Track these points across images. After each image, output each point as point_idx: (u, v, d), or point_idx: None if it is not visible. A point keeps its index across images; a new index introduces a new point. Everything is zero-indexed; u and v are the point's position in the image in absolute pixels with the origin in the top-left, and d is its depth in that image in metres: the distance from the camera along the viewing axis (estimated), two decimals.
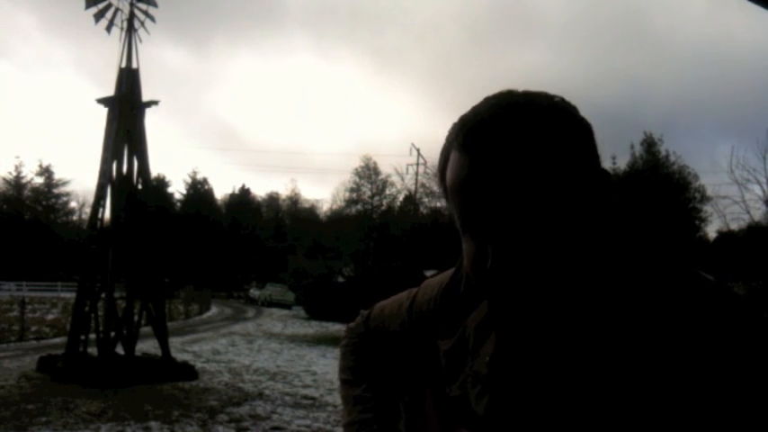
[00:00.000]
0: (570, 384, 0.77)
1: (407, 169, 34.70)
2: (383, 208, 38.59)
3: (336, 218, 44.03)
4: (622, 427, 0.73)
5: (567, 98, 0.82)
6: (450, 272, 1.02)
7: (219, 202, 69.29)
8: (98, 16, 11.99)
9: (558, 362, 0.79)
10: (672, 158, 30.26)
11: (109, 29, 12.00)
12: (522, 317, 0.82)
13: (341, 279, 27.27)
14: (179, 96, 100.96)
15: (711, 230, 28.88)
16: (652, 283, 0.78)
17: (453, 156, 0.79)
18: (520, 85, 0.83)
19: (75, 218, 63.30)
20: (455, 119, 0.82)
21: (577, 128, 0.79)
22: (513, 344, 0.83)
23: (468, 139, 0.77)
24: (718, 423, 0.70)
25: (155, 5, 12.11)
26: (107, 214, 11.69)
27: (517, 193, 0.74)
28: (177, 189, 67.39)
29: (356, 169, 39.60)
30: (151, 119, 12.45)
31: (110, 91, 11.99)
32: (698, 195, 29.14)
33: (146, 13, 12.09)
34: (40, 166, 61.53)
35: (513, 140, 0.75)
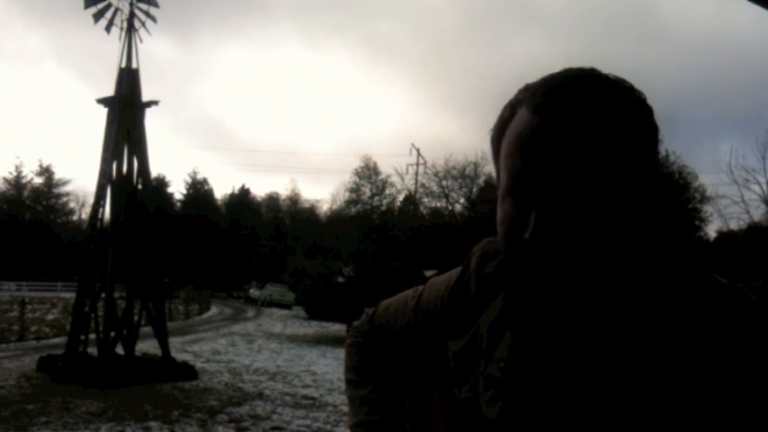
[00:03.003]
0: (586, 391, 0.76)
1: (407, 169, 34.74)
2: (383, 208, 38.59)
3: (336, 218, 44.04)
4: None
5: None
6: (456, 270, 1.00)
7: (219, 203, 69.29)
8: (97, 16, 11.98)
9: (574, 367, 0.77)
10: (672, 158, 30.30)
11: (108, 29, 12.01)
12: (541, 307, 0.81)
13: (341, 279, 27.23)
14: (167, 92, 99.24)
15: (711, 230, 28.88)
16: (670, 287, 0.76)
17: (522, 114, 0.78)
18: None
19: (75, 218, 63.31)
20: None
21: (651, 126, 0.78)
22: (528, 348, 0.82)
23: (544, 99, 0.76)
24: (736, 426, 0.69)
25: (156, 6, 12.10)
26: (107, 214, 11.70)
27: (582, 165, 0.73)
28: (177, 189, 67.51)
29: (356, 169, 39.65)
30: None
31: (108, 90, 12.04)
32: (698, 195, 29.17)
33: (147, 14, 12.08)
34: (40, 166, 61.59)
35: (591, 112, 0.74)
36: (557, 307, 0.80)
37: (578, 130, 0.73)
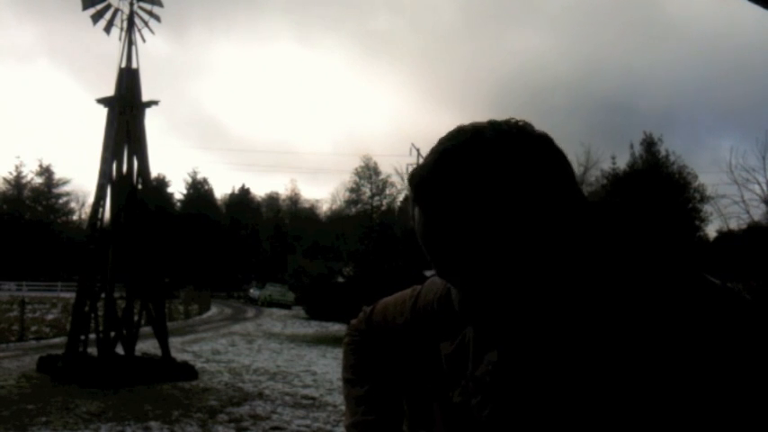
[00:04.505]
0: (574, 393, 0.76)
1: (407, 169, 34.65)
2: (383, 208, 38.63)
3: (336, 218, 44.09)
4: None
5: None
6: None
7: (219, 202, 69.28)
8: (96, 17, 11.97)
9: (560, 370, 0.78)
10: (672, 158, 30.33)
11: (108, 30, 12.00)
12: (513, 334, 0.82)
13: (341, 279, 27.26)
14: (161, 90, 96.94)
15: (711, 230, 28.89)
16: (657, 288, 0.76)
17: (414, 210, 0.80)
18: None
19: (75, 218, 63.32)
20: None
21: (528, 154, 0.76)
22: (514, 352, 0.82)
23: (417, 195, 0.78)
24: (728, 428, 0.69)
25: (160, 5, 12.08)
26: (107, 214, 11.70)
27: (469, 242, 0.74)
28: (177, 189, 67.52)
29: (356, 169, 39.74)
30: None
31: (108, 89, 12.05)
32: (698, 195, 29.18)
33: (150, 13, 12.08)
34: (40, 166, 61.58)
35: (456, 193, 0.74)
36: (537, 319, 0.80)
37: (452, 215, 0.74)
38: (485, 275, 0.75)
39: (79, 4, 11.86)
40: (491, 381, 0.84)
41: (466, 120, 0.84)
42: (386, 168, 44.05)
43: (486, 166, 0.74)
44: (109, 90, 12.01)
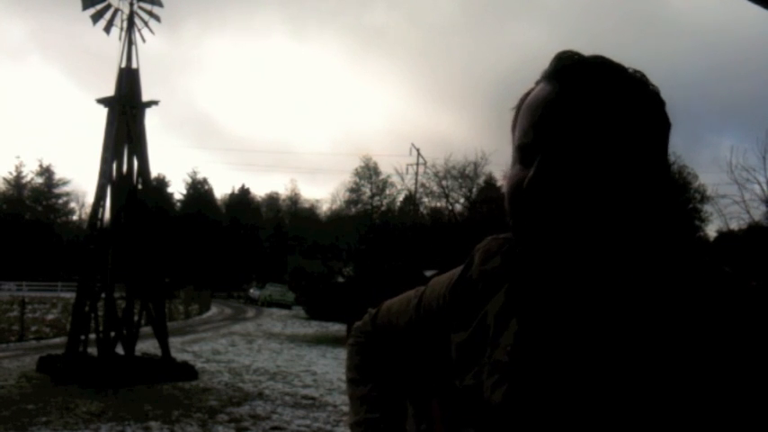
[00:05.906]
0: (592, 372, 0.76)
1: (407, 169, 34.69)
2: (383, 208, 38.69)
3: (336, 218, 44.13)
4: (644, 416, 0.72)
5: None
6: (458, 269, 1.01)
7: (219, 202, 69.28)
8: (96, 17, 11.98)
9: (580, 349, 0.78)
10: (672, 158, 30.37)
11: (108, 30, 12.01)
12: (547, 291, 0.82)
13: (341, 279, 27.26)
14: (157, 88, 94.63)
15: (711, 230, 28.90)
16: (680, 277, 0.78)
17: (540, 85, 0.83)
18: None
19: (75, 218, 63.38)
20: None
21: (662, 116, 0.84)
22: (534, 331, 0.83)
23: (561, 69, 0.81)
24: (745, 419, 0.69)
25: (160, 5, 12.09)
26: (107, 214, 11.70)
27: (587, 128, 0.77)
28: (177, 189, 67.53)
29: (356, 169, 39.81)
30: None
31: (108, 89, 12.05)
32: (698, 195, 29.22)
33: (150, 13, 12.08)
34: (40, 166, 61.60)
35: (603, 84, 0.78)
36: (562, 291, 0.81)
37: (588, 98, 0.78)
38: (570, 154, 0.77)
39: (76, 2, 11.89)
40: (509, 360, 0.83)
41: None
42: (386, 168, 44.07)
43: (636, 96, 0.81)
44: (108, 90, 12.04)
